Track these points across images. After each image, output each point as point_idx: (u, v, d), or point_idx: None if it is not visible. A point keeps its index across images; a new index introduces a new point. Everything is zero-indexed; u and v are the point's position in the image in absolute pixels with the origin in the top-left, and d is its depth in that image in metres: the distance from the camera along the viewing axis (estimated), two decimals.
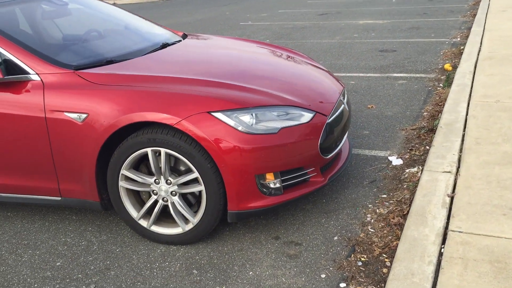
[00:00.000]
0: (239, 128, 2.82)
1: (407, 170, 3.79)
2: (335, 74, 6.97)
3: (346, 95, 3.71)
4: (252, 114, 2.89)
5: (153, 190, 3.03)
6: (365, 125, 4.92)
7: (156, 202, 3.06)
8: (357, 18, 12.35)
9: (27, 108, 3.03)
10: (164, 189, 3.00)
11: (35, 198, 3.27)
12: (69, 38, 3.65)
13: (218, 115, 2.83)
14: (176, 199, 3.01)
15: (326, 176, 3.26)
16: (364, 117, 5.16)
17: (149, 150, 2.91)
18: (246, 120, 2.86)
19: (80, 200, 3.17)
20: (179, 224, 3.03)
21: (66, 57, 3.25)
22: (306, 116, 3.08)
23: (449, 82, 5.82)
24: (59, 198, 3.22)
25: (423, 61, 7.37)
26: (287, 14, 14.19)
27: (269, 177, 2.96)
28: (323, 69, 3.95)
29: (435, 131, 4.25)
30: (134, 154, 2.94)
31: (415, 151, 4.15)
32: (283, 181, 3.01)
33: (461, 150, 3.76)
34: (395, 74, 6.75)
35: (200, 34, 4.64)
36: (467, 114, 4.47)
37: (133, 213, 3.10)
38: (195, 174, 2.88)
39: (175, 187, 2.98)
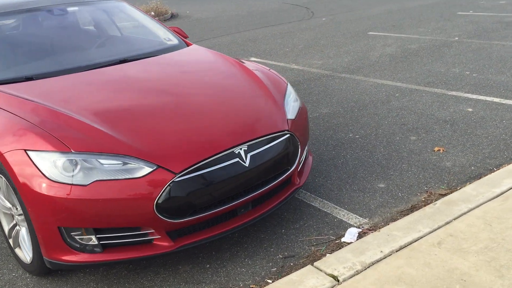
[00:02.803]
0: (46, 173, 2.57)
1: (327, 255, 2.85)
2: (467, 95, 5.52)
3: (272, 144, 2.94)
4: (72, 160, 2.60)
5: (13, 215, 3.03)
6: (395, 175, 3.82)
7: (16, 225, 3.05)
8: None
9: None
10: (17, 216, 2.97)
11: None
12: (21, 49, 3.76)
13: (32, 155, 2.63)
14: (23, 229, 2.95)
15: (179, 242, 2.73)
16: (409, 163, 4.00)
17: None
18: (58, 165, 2.58)
19: None
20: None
21: None
22: (145, 170, 2.61)
23: None
24: None
25: None
26: None
27: (84, 232, 2.64)
28: (268, 108, 3.19)
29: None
30: None
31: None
32: (104, 238, 2.65)
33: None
34: None
35: (205, 49, 4.20)
36: (504, 193, 3.06)
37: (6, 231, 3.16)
38: (21, 210, 2.77)
39: (22, 217, 2.92)
